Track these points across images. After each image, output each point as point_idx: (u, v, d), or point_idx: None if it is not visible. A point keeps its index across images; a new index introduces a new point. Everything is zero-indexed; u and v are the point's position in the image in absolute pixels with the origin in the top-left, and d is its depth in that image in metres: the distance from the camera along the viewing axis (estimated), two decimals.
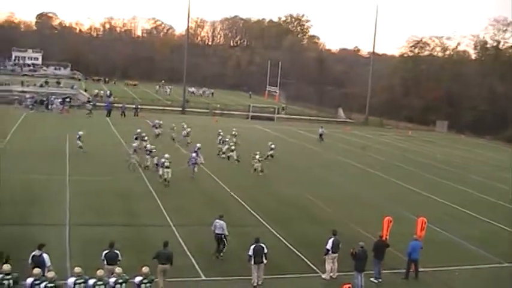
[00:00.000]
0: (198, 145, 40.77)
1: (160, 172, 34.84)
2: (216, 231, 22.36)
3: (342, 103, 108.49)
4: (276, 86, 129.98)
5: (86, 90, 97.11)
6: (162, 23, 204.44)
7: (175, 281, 19.37)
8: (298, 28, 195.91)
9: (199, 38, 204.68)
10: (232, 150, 44.06)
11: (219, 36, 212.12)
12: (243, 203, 31.59)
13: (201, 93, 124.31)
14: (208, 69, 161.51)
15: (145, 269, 16.40)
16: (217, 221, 22.47)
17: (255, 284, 19.98)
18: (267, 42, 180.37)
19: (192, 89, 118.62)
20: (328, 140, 64.44)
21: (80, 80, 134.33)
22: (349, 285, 17.28)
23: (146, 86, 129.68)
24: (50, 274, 15.62)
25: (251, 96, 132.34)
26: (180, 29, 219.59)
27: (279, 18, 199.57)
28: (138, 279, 16.22)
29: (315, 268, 22.22)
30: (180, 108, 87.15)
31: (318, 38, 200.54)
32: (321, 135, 64.36)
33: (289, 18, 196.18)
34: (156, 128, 53.76)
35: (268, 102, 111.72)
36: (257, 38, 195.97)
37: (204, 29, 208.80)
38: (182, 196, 32.05)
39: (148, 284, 16.29)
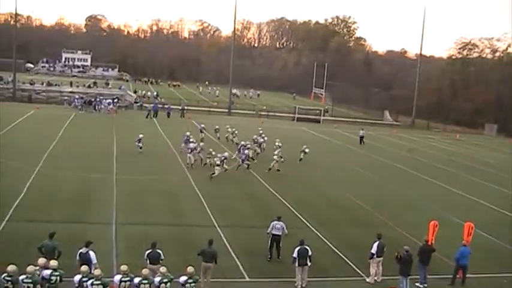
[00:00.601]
0: (243, 142, 42.44)
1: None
2: (274, 232, 22.35)
3: (389, 105, 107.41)
4: (322, 88, 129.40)
5: (135, 92, 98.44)
6: (209, 24, 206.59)
7: (219, 281, 19.50)
8: (345, 30, 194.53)
9: (245, 40, 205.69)
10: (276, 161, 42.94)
11: (265, 37, 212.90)
12: (288, 204, 31.54)
13: (245, 95, 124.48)
14: (254, 71, 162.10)
15: (190, 269, 16.51)
16: (276, 222, 22.50)
17: (299, 287, 19.96)
18: (314, 44, 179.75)
19: (235, 91, 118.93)
20: (374, 143, 63.85)
21: (127, 81, 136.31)
22: None
23: (193, 87, 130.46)
24: (97, 272, 15.88)
25: (295, 97, 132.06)
26: (226, 31, 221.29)
27: (326, 20, 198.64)
28: (183, 278, 16.34)
29: (359, 271, 22.05)
30: (226, 110, 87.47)
31: (365, 40, 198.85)
32: (361, 137, 62.91)
33: (336, 19, 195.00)
34: (201, 132, 53.06)
35: (314, 104, 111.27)
36: (303, 39, 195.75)
37: (250, 31, 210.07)
38: (227, 197, 32.17)
39: (193, 284, 16.39)
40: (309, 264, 19.94)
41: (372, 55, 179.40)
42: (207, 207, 29.53)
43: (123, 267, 16.18)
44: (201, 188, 33.44)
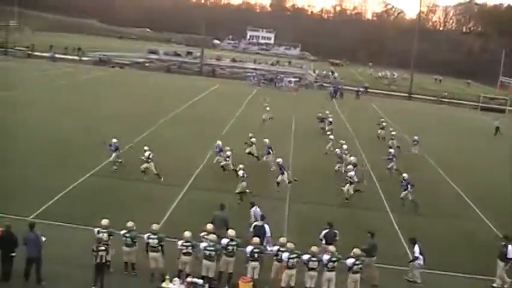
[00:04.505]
0: (416, 137, 39.86)
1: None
2: None
3: None
4: (511, 77, 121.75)
5: (314, 71, 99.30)
6: (393, 6, 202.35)
7: (391, 268, 19.30)
8: None
9: (430, 23, 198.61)
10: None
11: (451, 21, 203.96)
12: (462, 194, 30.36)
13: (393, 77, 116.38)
14: (437, 55, 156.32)
15: (356, 251, 16.59)
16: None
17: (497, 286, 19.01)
18: (504, 29, 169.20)
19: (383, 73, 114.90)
20: None
21: (311, 60, 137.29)
22: None
23: (376, 69, 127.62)
24: (290, 245, 16.47)
25: (469, 84, 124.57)
26: (411, 13, 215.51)
27: None
28: (350, 261, 16.38)
29: None
30: (406, 94, 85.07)
31: None
32: (497, 128, 54.99)
33: None
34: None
35: (500, 94, 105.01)
36: (492, 24, 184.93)
37: (436, 14, 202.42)
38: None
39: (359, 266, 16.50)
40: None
41: None
42: (380, 191, 29.23)
43: (290, 245, 16.54)
44: (375, 173, 32.89)
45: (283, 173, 27.47)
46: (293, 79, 79.07)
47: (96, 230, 16.90)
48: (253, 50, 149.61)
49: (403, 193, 26.74)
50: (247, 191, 25.01)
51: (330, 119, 44.43)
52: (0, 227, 16.47)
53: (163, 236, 16.95)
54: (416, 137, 39.85)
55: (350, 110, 58.40)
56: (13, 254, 15.96)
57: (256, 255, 16.48)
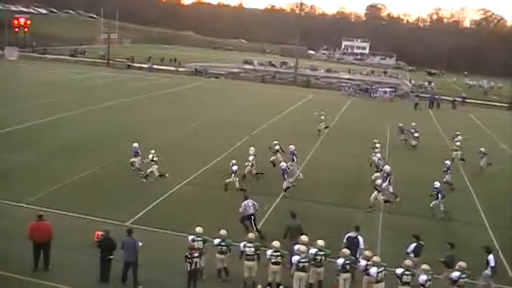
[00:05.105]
0: (482, 149, 36.10)
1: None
2: None
3: None
4: None
5: (410, 81, 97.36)
6: (493, 13, 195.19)
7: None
8: None
9: None
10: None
11: None
12: None
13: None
14: None
15: (463, 264, 16.11)
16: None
17: None
18: None
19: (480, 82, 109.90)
20: None
21: (407, 70, 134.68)
22: None
23: (473, 78, 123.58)
24: (376, 258, 16.19)
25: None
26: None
27: None
28: (423, 278, 15.79)
29: None
30: (506, 104, 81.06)
31: None
32: None
33: None
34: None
35: None
36: None
37: None
38: (498, 196, 30.08)
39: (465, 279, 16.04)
40: None
41: None
42: (478, 204, 28.26)
43: (376, 258, 16.18)
44: (473, 184, 31.96)
45: (285, 179, 26.96)
46: (388, 89, 77.87)
47: (190, 237, 17.29)
48: (348, 60, 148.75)
49: (433, 202, 25.72)
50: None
51: (416, 133, 42.45)
52: (101, 232, 17.19)
53: (260, 244, 17.17)
54: (482, 149, 36.58)
55: (446, 120, 56.75)
56: (111, 257, 16.68)
57: (347, 266, 16.29)
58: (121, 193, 25.30)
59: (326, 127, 44.11)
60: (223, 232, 17.33)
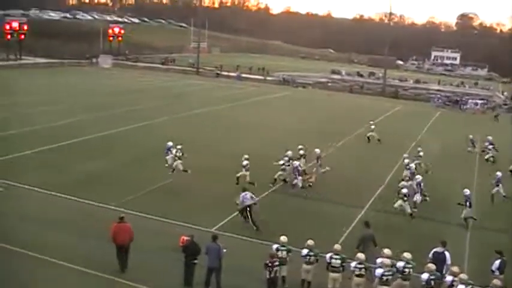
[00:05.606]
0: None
1: None
2: None
3: None
4: None
5: (503, 93, 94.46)
6: None
7: None
8: None
9: None
10: None
11: None
12: None
13: None
14: None
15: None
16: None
17: None
18: None
19: None
20: None
21: (500, 82, 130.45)
22: None
23: None
24: (463, 276, 15.82)
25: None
26: None
27: None
28: None
29: None
30: None
31: None
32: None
33: None
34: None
35: None
36: None
37: None
38: None
39: None
40: None
41: None
42: None
43: (463, 276, 15.83)
44: None
45: (296, 177, 28.35)
46: (479, 101, 76.07)
47: (275, 246, 17.63)
48: (438, 70, 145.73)
49: (464, 212, 25.20)
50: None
51: (489, 146, 40.77)
52: (186, 237, 17.90)
53: (346, 257, 17.22)
54: None
55: None
56: (195, 262, 17.29)
57: (432, 282, 16.03)
58: (206, 199, 25.97)
59: (378, 139, 43.66)
60: (310, 242, 17.50)
